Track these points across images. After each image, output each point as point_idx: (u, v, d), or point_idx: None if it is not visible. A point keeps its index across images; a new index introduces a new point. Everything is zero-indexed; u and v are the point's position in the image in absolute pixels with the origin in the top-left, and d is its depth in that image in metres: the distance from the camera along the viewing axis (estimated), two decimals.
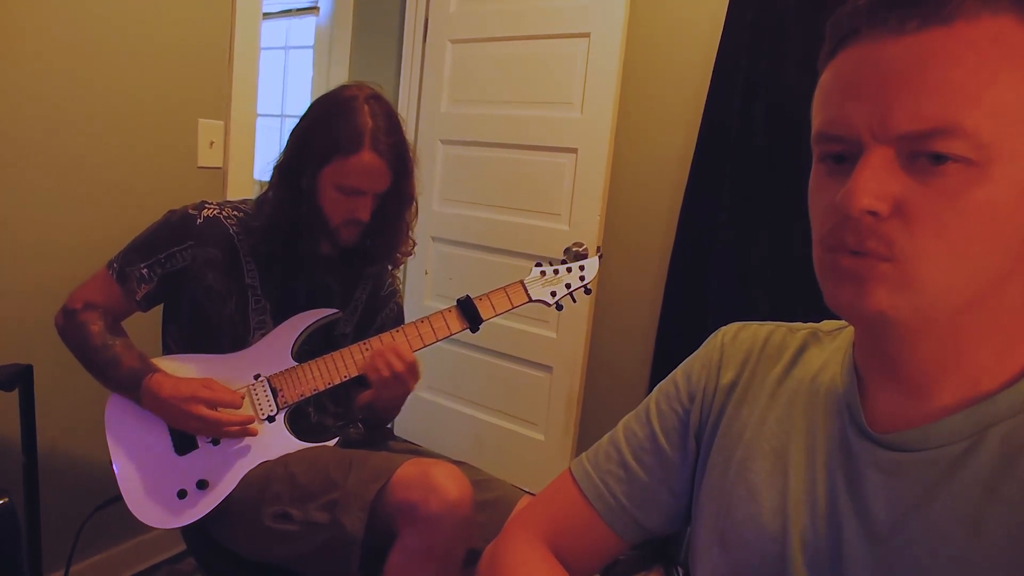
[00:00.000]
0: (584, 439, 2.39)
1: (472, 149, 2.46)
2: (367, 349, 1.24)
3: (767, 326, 0.69)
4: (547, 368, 2.33)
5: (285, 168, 1.25)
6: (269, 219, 1.24)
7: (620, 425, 0.74)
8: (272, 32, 3.56)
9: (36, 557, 1.40)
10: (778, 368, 0.65)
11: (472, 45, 2.43)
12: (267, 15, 2.98)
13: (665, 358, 2.15)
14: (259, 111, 1.97)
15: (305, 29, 3.41)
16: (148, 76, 1.67)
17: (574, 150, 2.21)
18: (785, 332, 0.68)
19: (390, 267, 1.43)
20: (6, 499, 1.14)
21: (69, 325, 1.25)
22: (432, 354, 2.66)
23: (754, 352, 0.67)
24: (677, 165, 2.07)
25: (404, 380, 1.21)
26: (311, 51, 3.12)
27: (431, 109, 2.55)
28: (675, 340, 2.07)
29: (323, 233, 1.25)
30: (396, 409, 1.37)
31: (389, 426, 1.51)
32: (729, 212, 1.93)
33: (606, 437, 0.75)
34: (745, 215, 1.91)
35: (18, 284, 1.52)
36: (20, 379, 1.32)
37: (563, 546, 0.71)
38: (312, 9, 3.21)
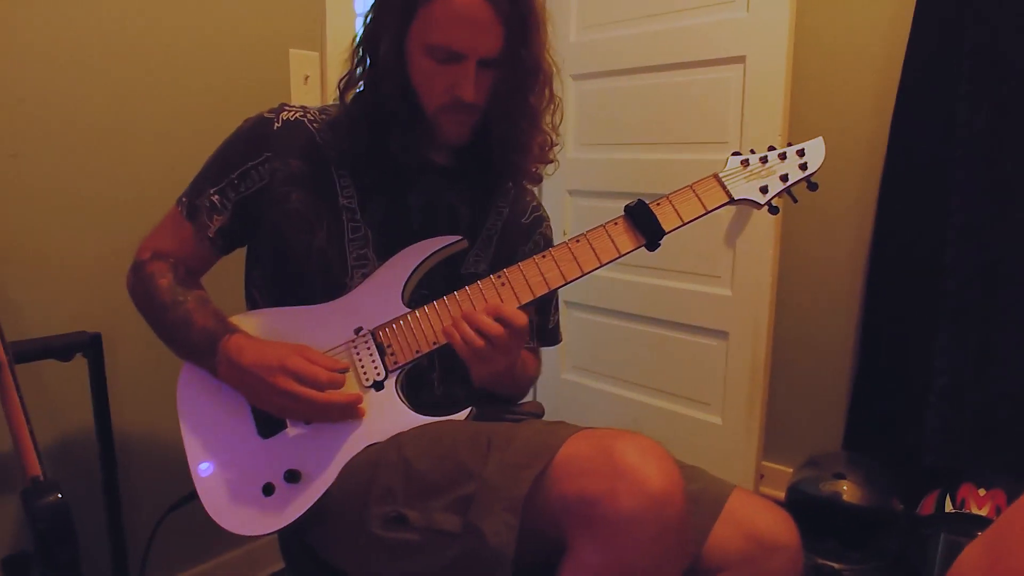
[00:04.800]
0: (772, 421, 1.92)
1: (610, 80, 2.08)
2: (504, 284, 0.89)
3: None
4: (722, 334, 1.89)
5: (364, 41, 0.94)
6: (350, 108, 0.93)
7: None
8: None
9: (122, 568, 1.17)
10: None
11: None
12: None
13: (875, 326, 1.72)
14: None
15: None
16: (233, 3, 1.45)
17: (741, 59, 1.77)
18: None
19: (524, 183, 1.07)
20: (58, 494, 0.89)
21: (137, 280, 0.99)
22: (573, 327, 2.31)
23: None
24: (880, 73, 1.58)
25: (507, 347, 0.86)
26: None
27: (558, 41, 2.19)
28: (887, 304, 1.61)
29: (417, 124, 0.92)
30: (509, 387, 1.05)
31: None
32: (970, 129, 1.41)
33: None
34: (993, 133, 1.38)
35: (86, 242, 1.30)
36: (85, 349, 1.09)
37: None
38: None
